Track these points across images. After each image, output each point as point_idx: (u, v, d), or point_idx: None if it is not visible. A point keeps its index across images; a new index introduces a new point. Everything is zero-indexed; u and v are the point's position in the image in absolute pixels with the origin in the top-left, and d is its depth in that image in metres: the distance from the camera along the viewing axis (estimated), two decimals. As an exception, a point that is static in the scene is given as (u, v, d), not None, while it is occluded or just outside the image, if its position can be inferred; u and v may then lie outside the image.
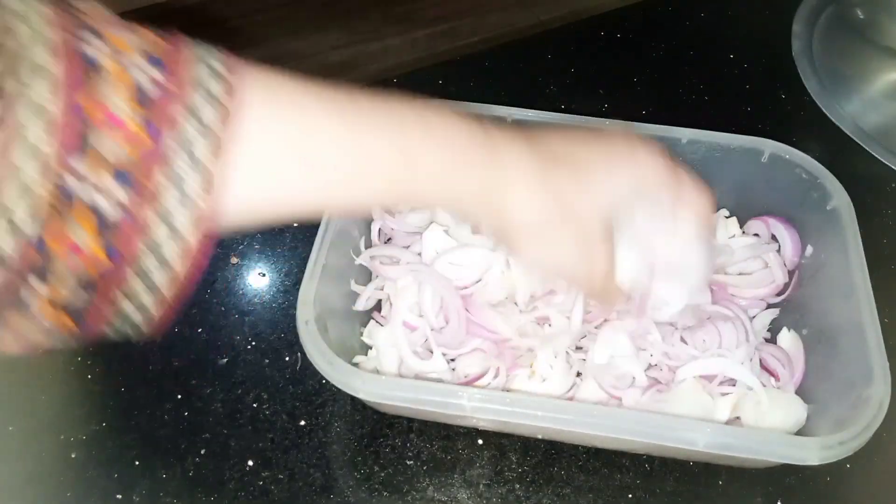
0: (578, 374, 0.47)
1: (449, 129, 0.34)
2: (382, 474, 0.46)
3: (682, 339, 0.48)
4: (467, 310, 0.48)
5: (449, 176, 0.34)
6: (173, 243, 0.25)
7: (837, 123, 0.65)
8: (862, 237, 0.45)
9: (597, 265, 0.38)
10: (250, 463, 0.47)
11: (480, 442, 0.48)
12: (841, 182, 0.47)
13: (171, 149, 0.24)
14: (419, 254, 0.51)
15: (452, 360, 0.48)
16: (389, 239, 0.53)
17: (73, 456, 0.47)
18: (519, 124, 0.50)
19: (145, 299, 0.26)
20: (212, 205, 0.25)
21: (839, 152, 0.63)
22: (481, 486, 0.46)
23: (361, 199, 0.33)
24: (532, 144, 0.36)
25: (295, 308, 0.41)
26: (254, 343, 0.52)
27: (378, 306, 0.51)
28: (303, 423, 0.48)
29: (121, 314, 0.26)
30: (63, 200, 0.22)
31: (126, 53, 0.24)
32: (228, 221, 0.27)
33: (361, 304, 0.50)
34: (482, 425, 0.48)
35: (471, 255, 0.49)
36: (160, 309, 0.26)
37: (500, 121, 0.50)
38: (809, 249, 0.50)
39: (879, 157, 0.63)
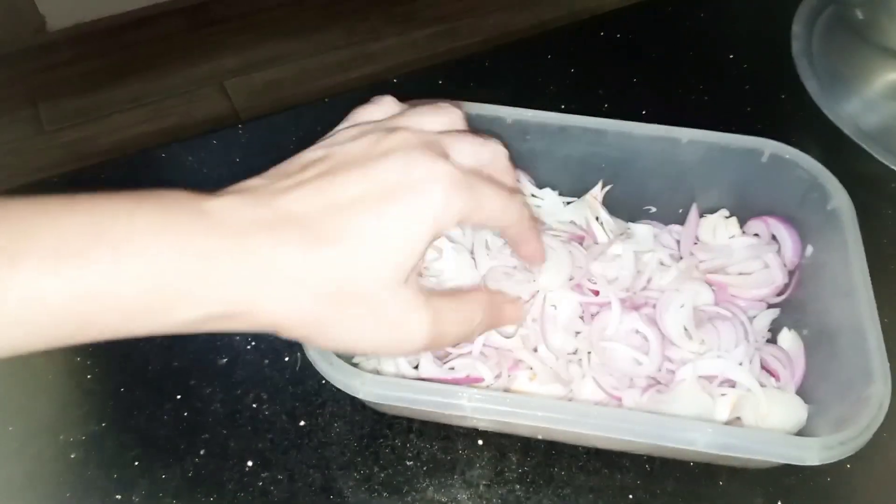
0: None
1: (148, 239, 0.27)
2: (382, 475, 0.46)
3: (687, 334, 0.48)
4: None
5: (163, 303, 0.27)
6: None
7: (837, 123, 0.65)
8: (862, 237, 0.45)
9: (414, 331, 0.32)
10: (250, 463, 0.47)
11: (480, 442, 0.48)
12: (841, 182, 0.47)
13: None
14: None
15: (452, 368, 0.47)
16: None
17: (72, 456, 0.47)
18: (518, 125, 0.50)
19: None
20: None
21: (839, 152, 0.63)
22: (481, 486, 0.46)
23: (29, 346, 0.27)
24: (274, 225, 0.29)
25: (295, 308, 0.41)
26: (253, 343, 0.52)
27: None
28: (303, 423, 0.48)
29: None
30: None
31: None
32: None
33: (361, 305, 0.50)
34: (482, 426, 0.48)
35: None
36: None
37: (497, 122, 0.50)
38: (809, 249, 0.50)
39: (879, 157, 0.63)
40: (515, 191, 0.36)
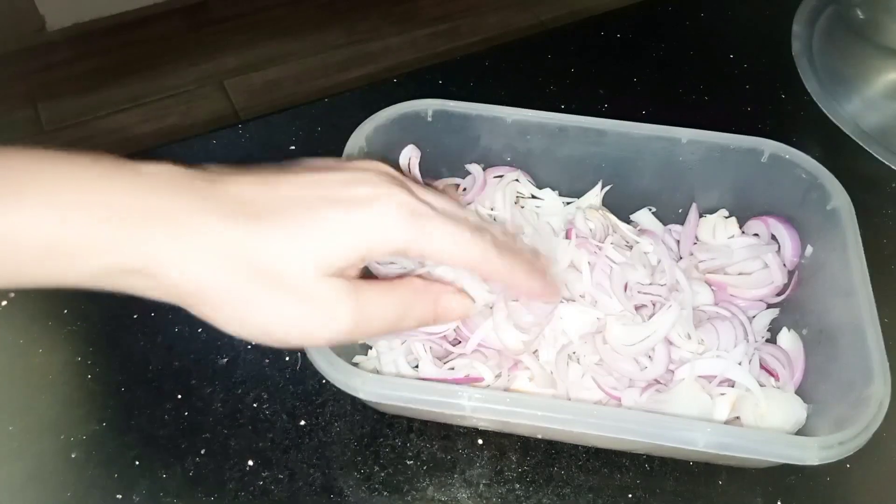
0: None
1: (56, 186, 0.28)
2: (382, 474, 0.46)
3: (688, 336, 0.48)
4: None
5: (66, 251, 0.28)
6: None
7: (837, 123, 0.65)
8: (862, 237, 0.45)
9: (336, 315, 0.32)
10: (250, 463, 0.47)
11: (480, 442, 0.48)
12: (841, 182, 0.47)
13: None
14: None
15: (452, 368, 0.47)
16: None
17: (73, 456, 0.47)
18: (520, 127, 0.50)
19: None
20: None
21: (839, 152, 0.63)
22: (481, 486, 0.46)
23: None
24: (207, 195, 0.29)
25: (295, 308, 0.41)
26: (254, 343, 0.52)
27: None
28: (303, 423, 0.48)
29: None
30: None
31: None
32: None
33: (361, 304, 0.50)
34: (482, 425, 0.48)
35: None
36: None
37: (496, 119, 0.50)
38: (809, 249, 0.50)
39: (879, 157, 0.63)
40: (481, 231, 0.35)
